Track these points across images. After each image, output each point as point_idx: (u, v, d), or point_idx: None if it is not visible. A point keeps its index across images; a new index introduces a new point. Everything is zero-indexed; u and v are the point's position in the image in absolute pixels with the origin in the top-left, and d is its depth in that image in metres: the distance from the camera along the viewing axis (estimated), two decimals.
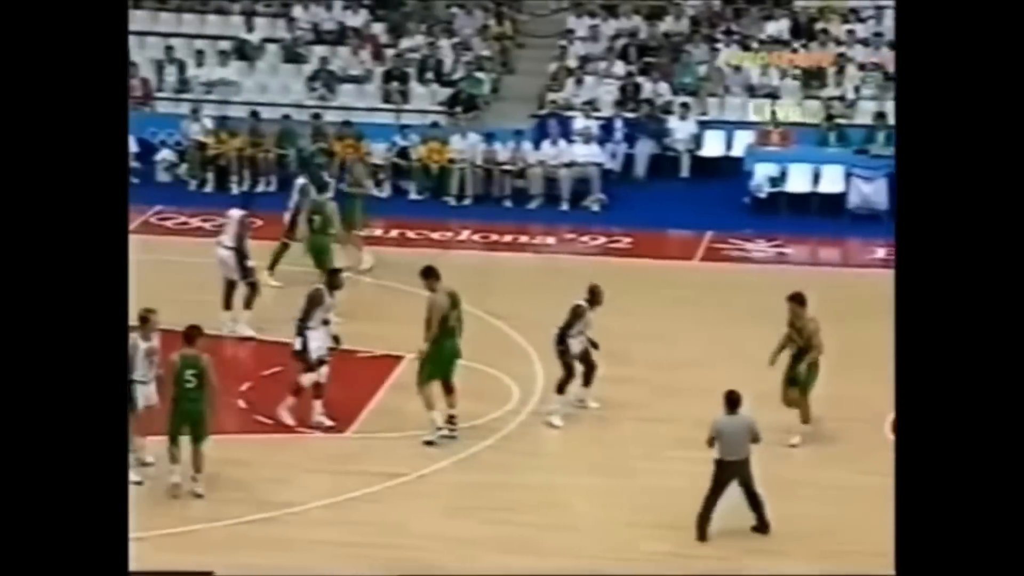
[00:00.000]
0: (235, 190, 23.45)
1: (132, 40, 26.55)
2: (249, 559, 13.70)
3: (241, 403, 16.68)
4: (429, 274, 15.68)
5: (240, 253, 18.32)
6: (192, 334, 14.65)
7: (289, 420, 16.01)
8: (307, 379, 15.95)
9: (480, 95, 25.71)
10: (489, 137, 24.48)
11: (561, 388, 16.22)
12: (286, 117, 24.95)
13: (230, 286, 18.48)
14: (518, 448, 15.73)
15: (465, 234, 22.68)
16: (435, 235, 22.35)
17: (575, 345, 16.18)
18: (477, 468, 15.35)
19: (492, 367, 17.22)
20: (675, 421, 16.07)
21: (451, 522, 14.33)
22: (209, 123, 24.81)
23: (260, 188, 23.94)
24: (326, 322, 16.03)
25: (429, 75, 26.00)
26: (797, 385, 15.66)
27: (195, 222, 22.46)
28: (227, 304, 18.41)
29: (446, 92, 25.59)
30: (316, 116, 24.95)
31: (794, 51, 26.28)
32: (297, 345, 15.94)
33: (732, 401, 13.89)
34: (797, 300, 15.82)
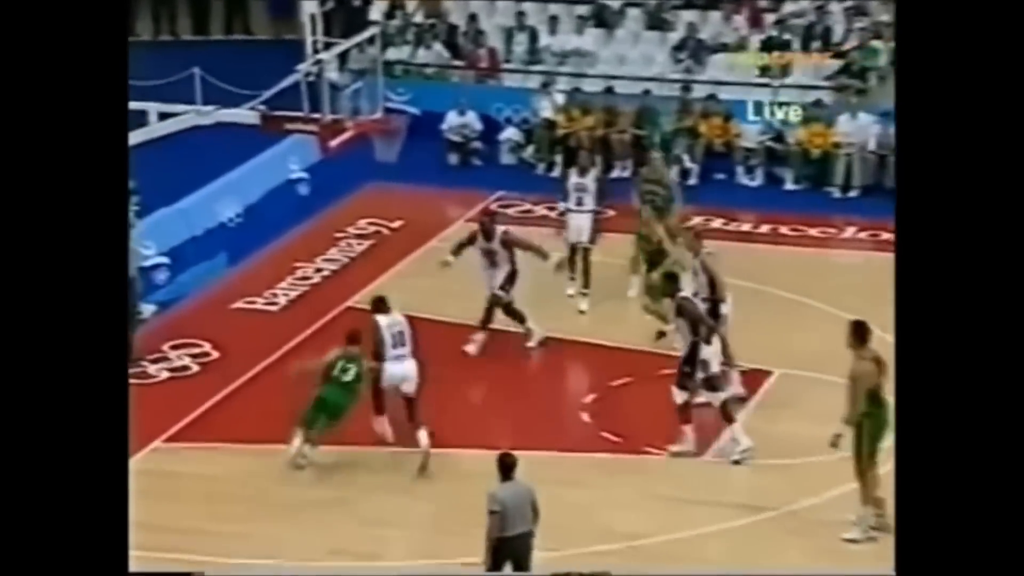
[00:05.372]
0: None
1: (479, 6, 25.57)
2: None
3: (585, 416, 15.79)
4: (859, 332, 13.65)
5: None
6: None
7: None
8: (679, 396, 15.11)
9: (874, 68, 23.50)
10: (884, 118, 22.18)
11: None
12: (646, 93, 23.48)
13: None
14: None
15: (850, 231, 20.64)
16: (814, 232, 20.55)
17: None
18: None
19: None
20: None
21: None
22: (560, 99, 23.58)
23: (615, 173, 22.39)
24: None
25: (815, 44, 24.10)
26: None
27: (539, 210, 20.90)
28: None
29: (835, 64, 23.69)
30: (686, 89, 23.34)
31: None
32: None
33: None
34: None
